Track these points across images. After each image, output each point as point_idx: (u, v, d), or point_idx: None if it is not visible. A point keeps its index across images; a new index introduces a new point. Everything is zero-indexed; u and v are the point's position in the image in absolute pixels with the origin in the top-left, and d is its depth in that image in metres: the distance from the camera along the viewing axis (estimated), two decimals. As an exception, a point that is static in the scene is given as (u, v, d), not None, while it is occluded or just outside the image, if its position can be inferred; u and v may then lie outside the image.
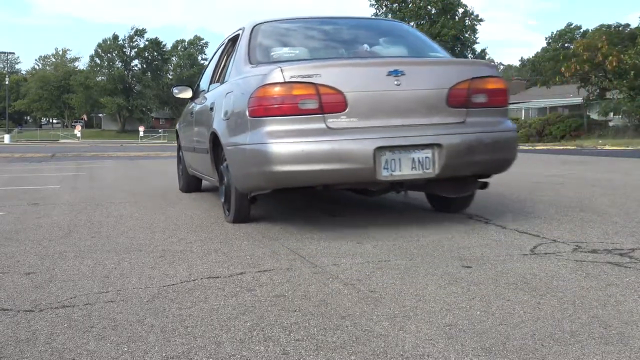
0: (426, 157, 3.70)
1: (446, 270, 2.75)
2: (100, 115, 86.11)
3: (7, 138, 45.95)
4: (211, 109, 4.69)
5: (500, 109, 4.05)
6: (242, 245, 3.42)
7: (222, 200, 4.50)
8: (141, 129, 59.40)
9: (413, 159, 3.68)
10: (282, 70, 3.63)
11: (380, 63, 3.95)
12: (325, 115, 3.64)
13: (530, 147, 21.18)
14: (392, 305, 2.23)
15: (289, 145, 3.59)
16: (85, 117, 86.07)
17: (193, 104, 5.83)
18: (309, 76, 3.63)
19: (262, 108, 3.66)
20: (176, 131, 7.12)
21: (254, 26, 4.61)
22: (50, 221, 4.50)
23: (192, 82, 6.43)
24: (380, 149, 3.61)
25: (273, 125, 3.63)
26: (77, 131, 59.56)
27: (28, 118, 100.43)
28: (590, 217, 4.20)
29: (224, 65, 4.95)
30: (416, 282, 2.56)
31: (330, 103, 3.64)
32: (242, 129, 3.85)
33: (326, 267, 2.85)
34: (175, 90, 6.01)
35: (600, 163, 10.78)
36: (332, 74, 3.69)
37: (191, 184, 6.41)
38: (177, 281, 2.66)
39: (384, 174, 3.64)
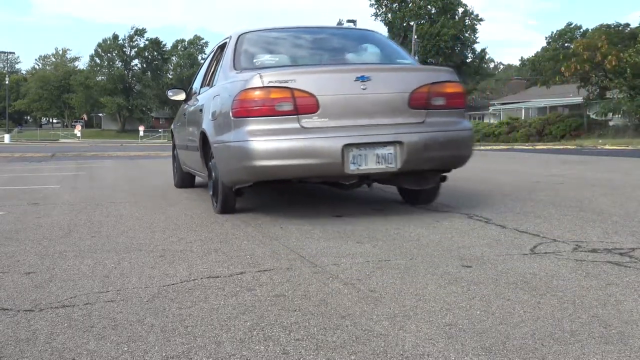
0: (389, 153, 4.14)
1: (446, 270, 2.75)
2: (100, 115, 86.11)
3: (7, 138, 45.93)
4: (201, 110, 5.12)
5: (457, 110, 4.48)
6: (242, 245, 3.42)
7: (211, 193, 4.90)
8: (141, 128, 59.42)
9: (377, 154, 4.12)
10: (261, 76, 4.07)
11: (348, 70, 4.40)
12: (300, 116, 4.07)
13: (530, 147, 21.19)
14: (392, 305, 2.23)
15: (268, 143, 4.03)
16: (85, 116, 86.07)
17: (187, 105, 6.20)
18: (285, 81, 4.06)
19: (244, 109, 4.09)
20: (171, 131, 7.60)
21: (240, 35, 5.06)
22: (50, 221, 4.50)
23: (191, 81, 7.08)
24: (348, 145, 4.05)
25: (254, 125, 4.07)
26: (77, 131, 59.55)
27: (28, 118, 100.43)
28: (590, 216, 4.20)
29: (214, 70, 5.33)
30: (416, 281, 2.56)
31: (304, 105, 4.07)
32: (227, 128, 4.26)
33: (326, 267, 2.85)
34: (169, 93, 6.43)
35: (600, 163, 10.78)
36: (306, 80, 4.13)
37: (185, 180, 6.84)
38: (177, 281, 2.66)
39: (352, 168, 4.08)
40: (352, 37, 5.70)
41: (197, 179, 6.64)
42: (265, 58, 4.92)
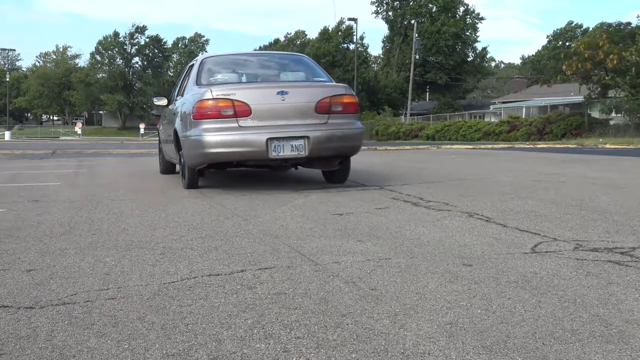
0: (300, 144, 5.83)
1: (447, 269, 2.75)
2: (100, 112, 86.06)
3: (7, 135, 45.83)
4: (175, 113, 6.90)
5: (352, 114, 6.23)
6: (243, 243, 3.42)
7: (180, 174, 6.71)
8: (142, 126, 59.37)
9: (292, 145, 5.82)
10: (211, 91, 5.86)
11: (272, 86, 6.15)
12: (238, 118, 5.78)
13: (531, 146, 21.16)
14: (392, 303, 2.23)
15: (215, 137, 5.73)
16: (86, 114, 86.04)
17: (167, 109, 7.92)
18: (228, 94, 5.82)
19: (199, 114, 5.82)
20: (157, 129, 9.74)
21: (203, 59, 7.01)
22: (50, 218, 4.49)
23: (171, 90, 8.58)
24: (271, 139, 5.75)
25: (206, 124, 5.79)
26: (78, 128, 59.47)
27: (28, 115, 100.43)
28: (591, 215, 4.19)
29: (185, 84, 7.04)
30: (417, 280, 2.56)
31: (241, 111, 5.78)
32: (189, 126, 5.97)
33: (327, 265, 2.85)
34: (154, 100, 8.22)
35: (601, 161, 10.77)
36: (242, 93, 5.87)
37: (168, 167, 8.52)
38: (177, 279, 2.66)
39: (273, 154, 5.79)
40: (286, 59, 7.79)
41: (177, 167, 7.85)
42: (218, 77, 6.64)
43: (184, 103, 6.40)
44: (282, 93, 5.87)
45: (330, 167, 6.46)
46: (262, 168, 6.98)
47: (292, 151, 5.80)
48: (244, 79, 6.74)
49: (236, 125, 5.74)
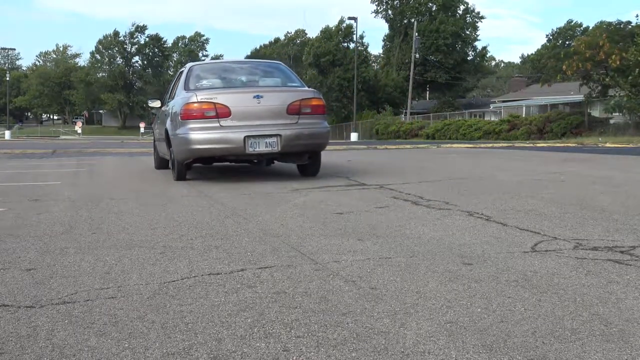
0: (273, 141, 6.71)
1: (447, 268, 2.75)
2: (101, 111, 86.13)
3: (7, 134, 45.79)
4: (166, 114, 7.80)
5: (319, 115, 7.11)
6: (243, 242, 3.42)
7: (171, 167, 7.52)
8: (142, 125, 59.41)
9: (266, 142, 6.70)
10: (196, 95, 6.81)
11: (249, 91, 7.09)
12: (219, 119, 6.68)
13: (531, 145, 21.15)
14: (392, 302, 2.23)
15: (200, 135, 6.65)
16: (86, 113, 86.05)
17: (161, 110, 8.75)
18: (211, 98, 6.77)
19: (186, 115, 6.74)
20: (152, 128, 10.88)
21: (191, 66, 7.95)
22: (50, 217, 4.49)
23: (164, 94, 9.79)
24: (248, 136, 6.65)
25: (192, 124, 6.71)
26: (78, 127, 59.48)
27: (29, 114, 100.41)
28: (591, 214, 4.19)
29: (176, 88, 7.89)
30: (417, 279, 2.56)
31: (222, 112, 6.69)
32: (178, 126, 6.88)
33: (327, 264, 2.85)
34: (149, 101, 9.25)
35: (601, 160, 10.76)
36: (223, 97, 6.79)
37: (162, 163, 9.19)
38: (177, 278, 2.66)
39: (250, 150, 6.69)
40: (264, 67, 8.81)
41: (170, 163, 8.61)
42: (204, 82, 7.53)
43: (173, 105, 7.29)
44: (257, 97, 6.77)
45: (300, 161, 7.33)
46: (242, 163, 8.11)
47: (266, 147, 6.68)
48: (226, 84, 7.59)
49: (218, 125, 6.64)
